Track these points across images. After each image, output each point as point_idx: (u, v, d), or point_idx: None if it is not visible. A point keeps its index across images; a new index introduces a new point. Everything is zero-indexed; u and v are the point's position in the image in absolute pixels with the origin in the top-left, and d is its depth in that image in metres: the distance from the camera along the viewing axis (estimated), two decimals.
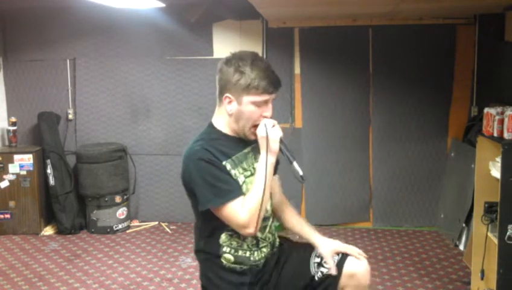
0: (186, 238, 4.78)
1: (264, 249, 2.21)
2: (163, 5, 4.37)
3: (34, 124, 5.19)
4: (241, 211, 2.01)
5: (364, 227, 4.99)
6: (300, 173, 2.06)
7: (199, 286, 2.34)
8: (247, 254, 2.16)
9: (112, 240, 4.77)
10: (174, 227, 5.08)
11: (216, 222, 2.09)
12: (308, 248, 2.28)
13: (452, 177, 4.68)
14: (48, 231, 4.99)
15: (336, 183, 4.91)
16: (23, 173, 4.87)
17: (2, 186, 4.88)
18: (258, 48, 4.93)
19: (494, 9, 4.33)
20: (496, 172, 3.12)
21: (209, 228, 2.16)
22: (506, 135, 2.95)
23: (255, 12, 4.34)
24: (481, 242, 3.37)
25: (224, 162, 2.06)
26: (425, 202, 4.91)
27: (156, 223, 5.19)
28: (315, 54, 4.90)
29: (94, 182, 4.84)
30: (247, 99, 2.04)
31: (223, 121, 2.15)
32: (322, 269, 2.19)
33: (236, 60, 2.08)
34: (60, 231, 4.92)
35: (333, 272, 2.16)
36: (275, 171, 2.22)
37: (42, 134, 4.99)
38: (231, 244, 2.14)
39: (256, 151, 2.16)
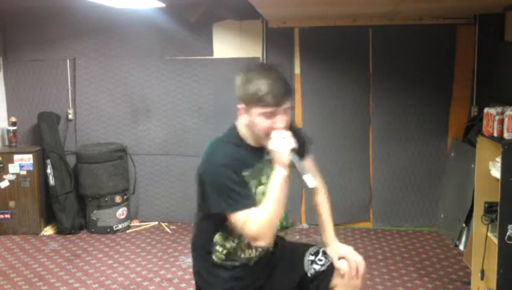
0: (186, 238, 4.77)
1: (259, 249, 2.21)
2: (163, 5, 4.37)
3: (34, 124, 5.19)
4: (251, 223, 2.00)
5: (364, 227, 4.99)
6: (311, 185, 2.05)
7: None
8: (239, 253, 2.18)
9: (112, 240, 4.77)
10: (174, 227, 5.08)
11: (214, 221, 2.11)
12: (303, 247, 2.32)
13: (452, 177, 4.68)
14: (48, 231, 4.99)
15: (336, 183, 4.91)
16: (23, 173, 4.87)
17: (2, 186, 4.88)
18: (258, 48, 4.93)
19: (494, 9, 4.33)
20: (496, 172, 3.12)
21: (206, 225, 2.19)
22: (506, 135, 2.95)
23: (255, 12, 4.34)
24: (481, 242, 3.38)
25: (244, 173, 2.06)
26: (425, 202, 4.91)
27: (156, 223, 5.19)
28: (315, 54, 4.90)
29: (94, 182, 4.84)
30: (255, 110, 2.02)
31: (245, 130, 2.14)
32: (314, 266, 2.23)
33: (249, 70, 2.07)
34: (60, 231, 4.92)
35: (344, 268, 2.18)
36: (304, 153, 2.26)
37: (42, 134, 4.99)
38: (224, 245, 2.16)
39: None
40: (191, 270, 4.01)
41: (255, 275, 2.24)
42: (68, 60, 5.18)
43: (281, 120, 2.04)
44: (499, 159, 3.03)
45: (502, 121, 3.00)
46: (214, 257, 2.18)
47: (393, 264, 4.13)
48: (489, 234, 3.28)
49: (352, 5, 4.01)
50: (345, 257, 2.21)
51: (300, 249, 2.30)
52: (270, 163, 2.13)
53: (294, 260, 2.28)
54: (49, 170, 4.92)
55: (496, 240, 3.05)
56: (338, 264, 2.19)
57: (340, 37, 4.85)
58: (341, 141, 4.93)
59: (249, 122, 2.07)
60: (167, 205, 5.22)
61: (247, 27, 4.95)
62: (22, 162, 4.86)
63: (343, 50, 4.88)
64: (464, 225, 4.30)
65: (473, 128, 4.35)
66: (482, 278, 3.37)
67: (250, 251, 2.19)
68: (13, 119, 5.06)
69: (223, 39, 5.00)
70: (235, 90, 2.09)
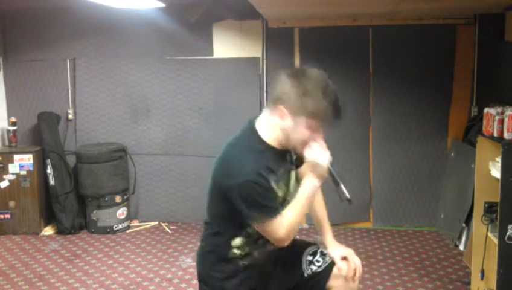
0: (186, 238, 4.78)
1: (271, 247, 2.21)
2: (163, 5, 4.37)
3: (34, 124, 5.19)
4: (281, 228, 2.02)
5: (364, 227, 4.99)
6: (348, 196, 2.07)
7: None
8: (255, 253, 2.17)
9: (112, 240, 4.77)
10: (174, 227, 5.08)
11: (236, 225, 2.09)
12: (300, 246, 2.33)
13: (452, 177, 4.68)
14: (48, 231, 4.99)
15: None
16: (23, 173, 4.87)
17: (2, 186, 4.88)
18: (258, 48, 4.93)
19: (494, 9, 4.33)
20: (496, 172, 3.12)
21: (228, 229, 2.13)
22: (506, 135, 2.95)
23: (255, 12, 4.33)
24: (481, 242, 3.38)
25: (272, 182, 2.02)
26: (425, 202, 4.91)
27: (156, 223, 5.19)
28: (315, 54, 4.89)
29: (94, 182, 4.84)
30: (305, 122, 1.96)
31: (271, 131, 2.04)
32: (312, 266, 2.25)
33: (307, 79, 1.98)
34: (60, 231, 4.92)
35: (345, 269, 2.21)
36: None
37: (42, 134, 4.99)
38: (243, 248, 2.14)
39: (298, 167, 2.20)
40: (191, 270, 4.03)
41: (264, 273, 2.23)
42: (68, 60, 5.18)
43: (322, 132, 2.05)
44: (499, 159, 3.03)
45: (502, 121, 3.00)
46: (230, 259, 2.14)
47: (393, 264, 4.13)
48: (489, 234, 3.28)
49: (352, 5, 4.01)
50: (345, 258, 2.23)
51: (299, 249, 2.31)
52: (289, 167, 2.15)
53: (293, 260, 2.28)
54: (49, 170, 4.92)
55: (495, 240, 3.05)
56: (340, 264, 2.21)
57: (340, 37, 4.85)
58: (341, 141, 4.92)
59: (289, 128, 1.99)
60: (167, 205, 5.22)
61: (247, 27, 4.95)
62: (22, 162, 4.86)
63: (343, 50, 4.88)
64: (463, 225, 4.30)
65: (473, 128, 4.35)
66: (482, 278, 3.37)
67: (263, 247, 2.18)
68: (13, 119, 5.06)
69: (223, 39, 5.00)
70: (278, 91, 1.99)
